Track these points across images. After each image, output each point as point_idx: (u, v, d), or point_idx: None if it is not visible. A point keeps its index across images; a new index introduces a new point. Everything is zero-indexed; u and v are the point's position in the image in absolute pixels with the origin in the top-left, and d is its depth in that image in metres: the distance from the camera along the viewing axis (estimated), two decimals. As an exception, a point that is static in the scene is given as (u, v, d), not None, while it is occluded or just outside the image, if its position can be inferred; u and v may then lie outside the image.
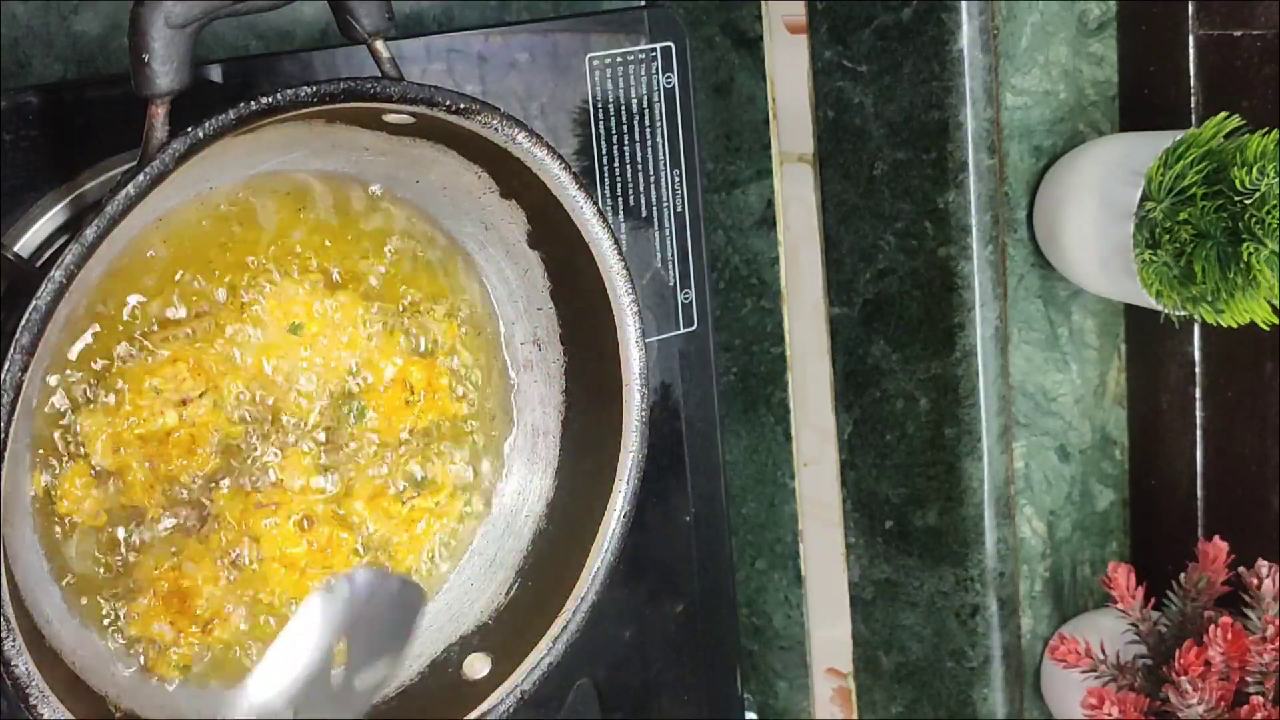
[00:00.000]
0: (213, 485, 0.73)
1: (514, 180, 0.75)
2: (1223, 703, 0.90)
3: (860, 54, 0.98)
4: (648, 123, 0.95)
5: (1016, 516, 1.01)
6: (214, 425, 0.72)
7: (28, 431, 0.68)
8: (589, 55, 0.91)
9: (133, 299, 0.70)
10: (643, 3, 1.01)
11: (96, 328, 0.69)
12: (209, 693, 0.74)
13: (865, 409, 1.04)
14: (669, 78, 0.95)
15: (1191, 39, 0.98)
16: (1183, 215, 0.90)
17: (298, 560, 0.75)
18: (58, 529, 0.70)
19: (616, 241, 0.75)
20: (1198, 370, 1.02)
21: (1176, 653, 0.91)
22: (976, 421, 0.98)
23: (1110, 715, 0.92)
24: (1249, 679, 0.91)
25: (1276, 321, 0.90)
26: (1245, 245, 0.88)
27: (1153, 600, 0.97)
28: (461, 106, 0.69)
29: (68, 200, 0.74)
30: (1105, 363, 1.05)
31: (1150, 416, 1.05)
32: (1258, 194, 0.87)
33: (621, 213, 0.95)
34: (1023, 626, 1.03)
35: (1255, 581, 0.93)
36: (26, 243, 0.73)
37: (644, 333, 0.77)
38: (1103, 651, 0.96)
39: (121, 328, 0.70)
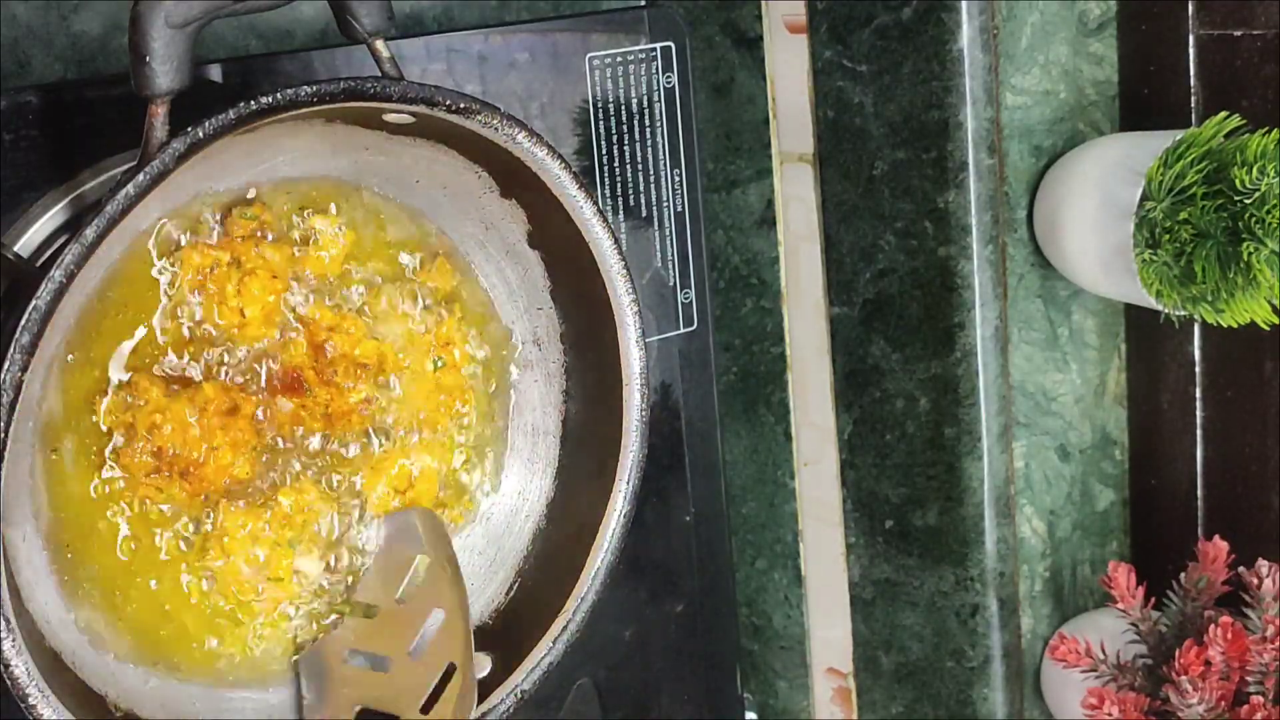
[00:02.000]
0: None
1: (514, 180, 0.75)
2: (1223, 702, 0.90)
3: (860, 54, 0.98)
4: (648, 123, 0.95)
5: (1016, 516, 1.01)
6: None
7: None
8: (589, 55, 0.91)
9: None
10: (643, 3, 1.01)
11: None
12: (210, 692, 0.74)
13: (865, 409, 1.04)
14: (669, 78, 0.95)
15: (1191, 39, 0.98)
16: (1183, 215, 0.90)
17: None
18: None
19: (616, 241, 0.75)
20: (1198, 370, 1.02)
21: (1176, 652, 0.91)
22: (976, 421, 0.98)
23: (1110, 715, 0.92)
24: (1249, 679, 0.91)
25: (1276, 321, 0.90)
26: (1245, 245, 0.88)
27: (1153, 600, 0.97)
28: (461, 106, 0.69)
29: (68, 200, 0.74)
30: (1105, 363, 1.05)
31: (1150, 416, 1.05)
32: (1258, 194, 0.87)
33: (621, 213, 0.95)
34: (1023, 626, 1.03)
35: (1255, 581, 0.93)
36: (26, 243, 0.73)
37: (644, 333, 0.77)
38: (1103, 651, 0.96)
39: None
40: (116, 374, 0.69)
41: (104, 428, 0.69)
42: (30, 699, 0.63)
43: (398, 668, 0.73)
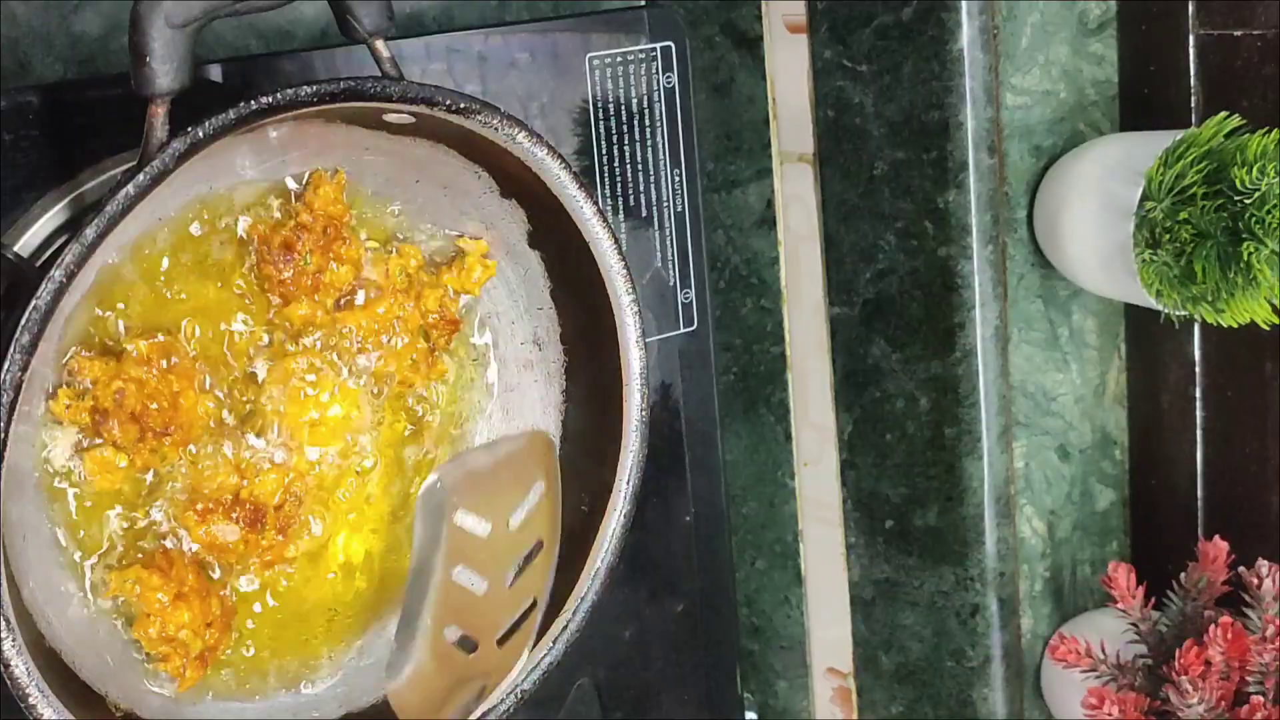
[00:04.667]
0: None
1: (514, 180, 0.75)
2: (1223, 702, 0.90)
3: (860, 54, 0.98)
4: (648, 123, 0.95)
5: (1016, 516, 1.01)
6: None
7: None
8: (589, 55, 0.91)
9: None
10: (643, 3, 1.01)
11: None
12: (212, 701, 0.74)
13: (865, 409, 1.04)
14: (669, 78, 0.95)
15: (1191, 39, 0.98)
16: (1183, 215, 0.90)
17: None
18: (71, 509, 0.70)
19: (616, 241, 0.75)
20: (1198, 370, 1.02)
21: (1176, 652, 0.91)
22: (976, 421, 0.98)
23: (1110, 715, 0.92)
24: (1249, 679, 0.91)
25: (1276, 321, 0.90)
26: (1245, 245, 0.88)
27: (1153, 600, 0.97)
28: (461, 106, 0.69)
29: (68, 200, 0.74)
30: (1105, 363, 1.05)
31: (1150, 416, 1.05)
32: (1258, 193, 0.87)
33: (621, 213, 0.95)
34: (1023, 626, 1.03)
35: (1255, 581, 0.93)
36: (26, 243, 0.73)
37: (644, 333, 0.77)
38: (1103, 651, 0.96)
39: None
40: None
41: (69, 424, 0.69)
42: (30, 699, 0.63)
43: (492, 593, 0.74)
